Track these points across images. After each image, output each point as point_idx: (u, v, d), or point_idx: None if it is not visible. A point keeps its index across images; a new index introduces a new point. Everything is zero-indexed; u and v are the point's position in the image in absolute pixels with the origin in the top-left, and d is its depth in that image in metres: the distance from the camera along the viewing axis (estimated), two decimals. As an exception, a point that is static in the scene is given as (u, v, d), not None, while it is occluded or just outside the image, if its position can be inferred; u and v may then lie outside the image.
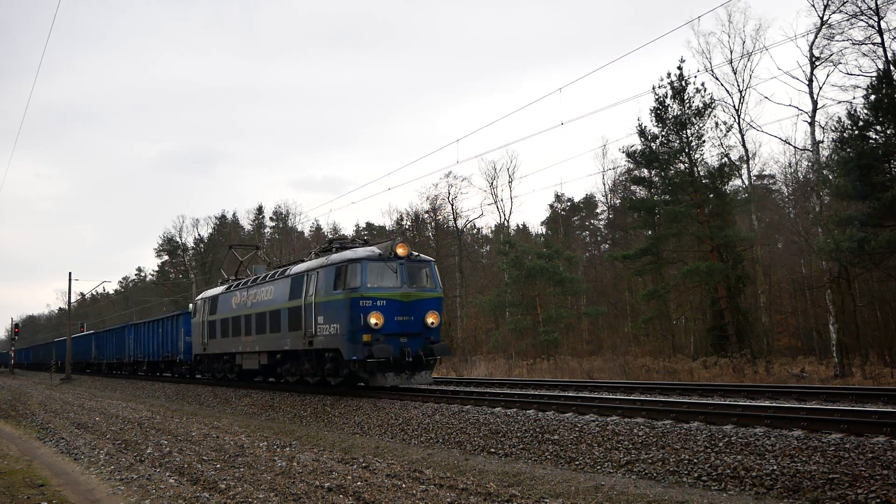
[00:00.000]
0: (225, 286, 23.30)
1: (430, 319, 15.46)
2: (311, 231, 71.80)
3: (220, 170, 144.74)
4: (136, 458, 10.26)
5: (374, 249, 15.89)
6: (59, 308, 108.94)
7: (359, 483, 7.86)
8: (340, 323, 15.18)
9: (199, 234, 77.17)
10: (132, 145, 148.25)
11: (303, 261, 18.57)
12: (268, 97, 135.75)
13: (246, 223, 75.42)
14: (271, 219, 73.04)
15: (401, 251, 15.55)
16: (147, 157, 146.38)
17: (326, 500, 7.08)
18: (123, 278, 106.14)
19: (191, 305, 26.43)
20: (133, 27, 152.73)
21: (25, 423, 16.74)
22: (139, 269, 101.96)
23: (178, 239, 77.92)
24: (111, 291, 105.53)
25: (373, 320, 14.80)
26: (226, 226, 77.13)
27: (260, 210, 74.42)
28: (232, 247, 28.30)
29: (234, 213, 78.63)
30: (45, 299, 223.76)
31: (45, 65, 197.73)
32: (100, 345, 44.81)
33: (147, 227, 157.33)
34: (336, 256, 16.03)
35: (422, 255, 16.43)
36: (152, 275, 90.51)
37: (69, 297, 48.36)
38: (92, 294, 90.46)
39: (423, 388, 16.18)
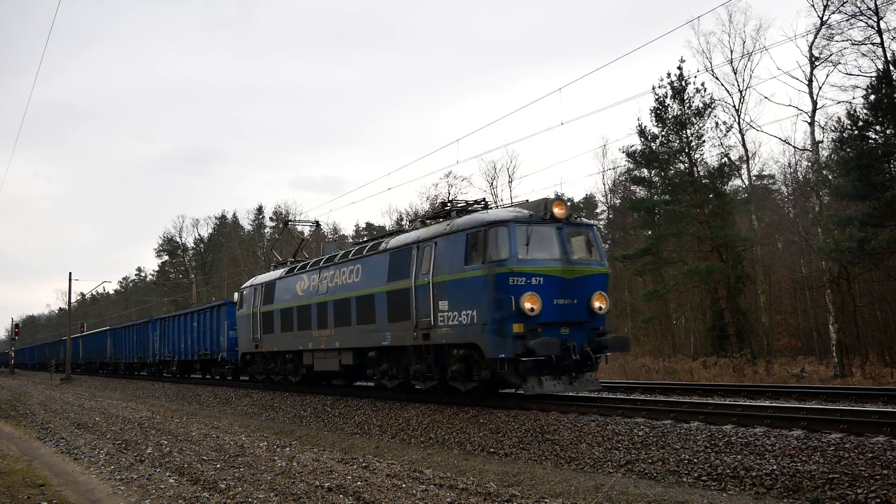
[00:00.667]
0: (283, 269, 19.43)
1: (598, 303, 11.91)
2: (310, 231, 71.80)
3: (220, 170, 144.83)
4: (136, 458, 10.26)
5: (519, 210, 12.28)
6: (60, 308, 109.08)
7: (359, 483, 7.87)
8: (478, 308, 11.48)
9: (199, 234, 77.42)
10: (132, 145, 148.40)
11: (402, 231, 14.94)
12: (267, 97, 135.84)
13: (246, 223, 75.52)
14: (271, 219, 73.01)
15: (558, 211, 11.96)
16: (147, 157, 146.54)
17: (326, 500, 7.08)
18: (123, 278, 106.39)
19: (235, 295, 22.54)
20: (132, 27, 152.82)
21: (25, 423, 16.74)
22: (139, 269, 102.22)
23: (178, 239, 78.24)
24: (111, 291, 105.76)
25: (528, 304, 11.13)
26: (226, 226, 77.25)
27: (260, 210, 74.46)
28: (289, 223, 23.30)
29: (234, 213, 78.81)
30: (45, 299, 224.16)
31: (45, 65, 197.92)
32: (117, 342, 40.33)
33: (147, 227, 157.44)
34: (466, 220, 12.36)
35: (582, 217, 13.00)
36: (152, 275, 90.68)
37: (69, 297, 48.39)
38: (92, 294, 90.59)
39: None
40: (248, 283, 21.40)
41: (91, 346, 47.08)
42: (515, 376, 11.35)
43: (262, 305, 19.74)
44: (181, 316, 29.47)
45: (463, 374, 12.35)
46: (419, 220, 14.58)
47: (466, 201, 14.13)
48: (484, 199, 14.35)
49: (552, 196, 12.28)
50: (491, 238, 11.55)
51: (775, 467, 7.20)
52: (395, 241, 14.14)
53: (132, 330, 37.45)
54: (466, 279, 11.82)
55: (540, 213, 11.98)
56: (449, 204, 14.18)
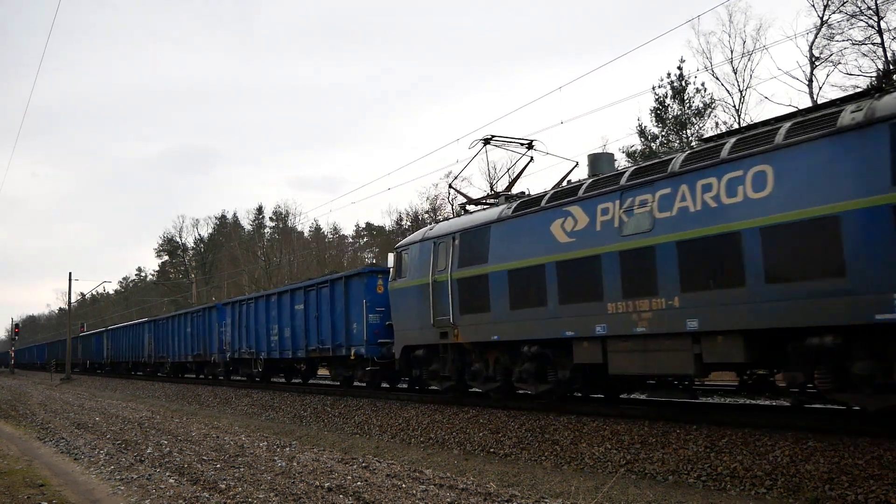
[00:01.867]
0: (506, 206, 12.12)
1: None
2: (310, 231, 71.86)
3: (220, 169, 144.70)
4: (136, 458, 10.26)
5: None
6: (60, 308, 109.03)
7: (359, 483, 7.87)
8: None
9: (199, 234, 77.43)
10: (131, 145, 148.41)
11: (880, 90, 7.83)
12: (267, 97, 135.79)
13: (246, 223, 75.58)
14: (271, 219, 73.12)
15: None
16: (146, 157, 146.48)
17: (326, 500, 7.08)
18: (123, 278, 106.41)
19: (390, 256, 15.23)
20: (132, 26, 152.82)
21: (25, 422, 16.74)
22: (139, 269, 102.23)
23: (178, 239, 78.27)
24: (111, 291, 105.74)
25: None
26: (226, 226, 77.30)
27: (260, 210, 74.51)
28: (492, 139, 15.05)
29: (234, 214, 78.83)
30: (45, 299, 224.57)
31: (45, 65, 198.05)
32: (160, 338, 31.88)
33: (147, 227, 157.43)
34: None
35: None
36: (152, 275, 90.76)
37: (69, 297, 48.45)
38: (92, 294, 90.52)
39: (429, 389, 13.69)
40: (416, 237, 14.40)
41: (120, 342, 39.05)
42: None
43: (455, 268, 12.76)
44: (272, 297, 21.11)
45: None
46: None
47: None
48: None
49: None
50: None
51: (775, 467, 7.20)
52: None
53: (184, 320, 28.63)
54: None
55: None
56: None
